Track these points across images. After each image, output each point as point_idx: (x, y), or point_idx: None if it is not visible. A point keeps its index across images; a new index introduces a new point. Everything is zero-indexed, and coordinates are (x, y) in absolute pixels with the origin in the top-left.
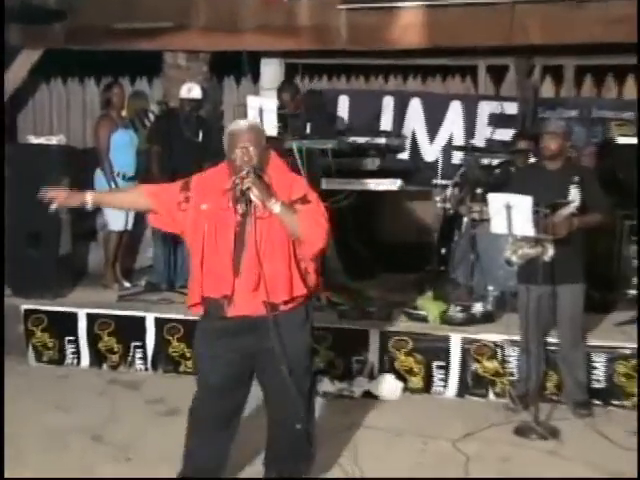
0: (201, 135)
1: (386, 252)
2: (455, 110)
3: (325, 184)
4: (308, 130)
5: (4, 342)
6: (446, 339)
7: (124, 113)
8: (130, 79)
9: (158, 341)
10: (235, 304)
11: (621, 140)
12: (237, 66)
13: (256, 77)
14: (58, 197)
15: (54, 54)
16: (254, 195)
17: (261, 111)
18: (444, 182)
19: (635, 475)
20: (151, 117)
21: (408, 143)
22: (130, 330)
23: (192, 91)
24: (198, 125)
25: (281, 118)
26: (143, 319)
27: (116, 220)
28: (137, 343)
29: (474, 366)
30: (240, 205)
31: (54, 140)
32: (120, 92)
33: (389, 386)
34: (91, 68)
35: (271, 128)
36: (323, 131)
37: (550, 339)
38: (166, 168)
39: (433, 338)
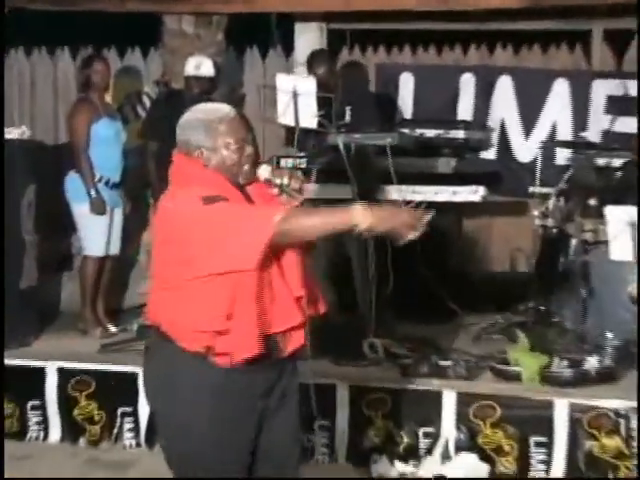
0: None
1: (465, 286)
2: (560, 92)
3: (381, 193)
4: (347, 118)
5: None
6: (548, 405)
7: (109, 97)
8: (118, 51)
9: None
10: (292, 337)
11: None
12: (263, 34)
13: (289, 49)
14: None
15: (15, 16)
16: (299, 193)
17: (295, 95)
18: (544, 190)
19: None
20: (146, 103)
21: (495, 137)
22: (117, 392)
23: (202, 67)
24: None
25: (322, 103)
26: (134, 377)
27: (94, 241)
28: (126, 409)
29: (588, 443)
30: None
31: (14, 133)
32: (104, 69)
33: (470, 470)
34: (65, 35)
35: (309, 117)
36: (368, 120)
37: None
38: (167, 172)
39: (530, 404)
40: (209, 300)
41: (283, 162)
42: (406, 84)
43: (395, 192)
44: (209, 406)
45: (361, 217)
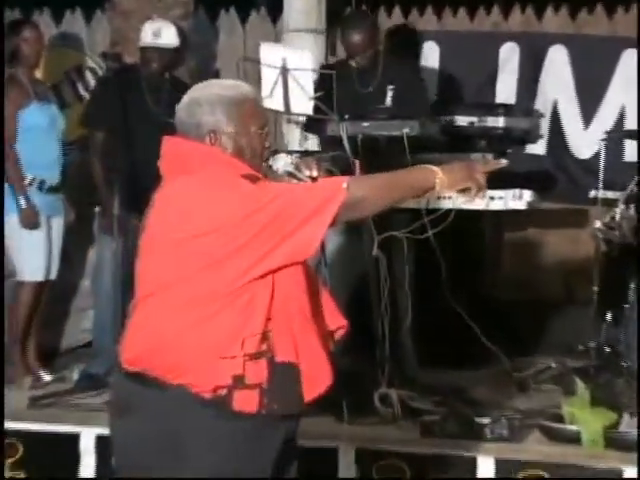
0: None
1: (506, 320)
2: (629, 67)
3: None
4: (388, 101)
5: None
6: (615, 475)
7: (40, 73)
8: (53, 14)
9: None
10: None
11: None
12: None
13: (276, 10)
14: None
15: None
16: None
17: (285, 71)
18: (610, 195)
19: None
20: (90, 81)
21: (545, 126)
22: (52, 458)
23: (162, 35)
24: (174, 94)
25: (322, 82)
26: (74, 440)
27: (28, 262)
28: None
29: None
30: None
31: None
32: (35, 37)
33: None
34: None
35: (303, 101)
36: (418, 104)
37: None
38: (117, 172)
39: (592, 473)
40: (244, 312)
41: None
42: (429, 56)
43: (414, 201)
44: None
45: (437, 176)
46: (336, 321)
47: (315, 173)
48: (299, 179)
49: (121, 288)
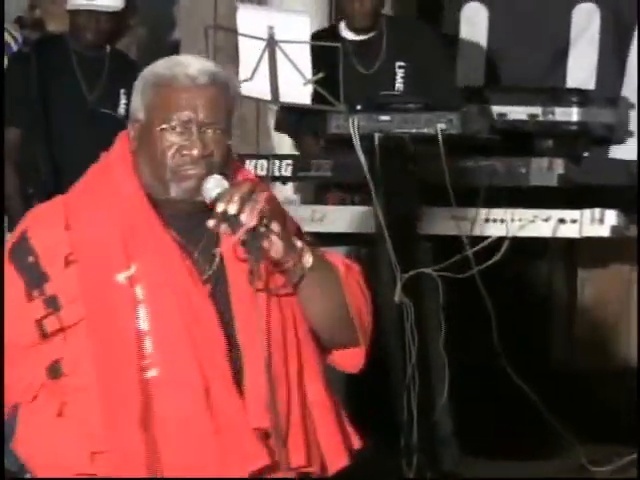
0: (125, 99)
1: (578, 392)
2: None
3: (432, 222)
4: (398, 85)
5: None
6: None
7: None
8: None
9: None
10: None
11: None
12: None
13: None
14: None
15: None
16: (275, 236)
17: (272, 43)
18: None
19: None
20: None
21: (635, 120)
22: None
23: None
24: (116, 74)
25: (323, 58)
26: None
27: None
28: None
29: None
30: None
31: None
32: None
33: None
34: None
35: (297, 88)
36: (440, 89)
37: None
38: (37, 183)
39: None
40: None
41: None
42: (473, 23)
43: (451, 221)
44: None
45: None
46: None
47: (232, 209)
48: (231, 225)
49: None
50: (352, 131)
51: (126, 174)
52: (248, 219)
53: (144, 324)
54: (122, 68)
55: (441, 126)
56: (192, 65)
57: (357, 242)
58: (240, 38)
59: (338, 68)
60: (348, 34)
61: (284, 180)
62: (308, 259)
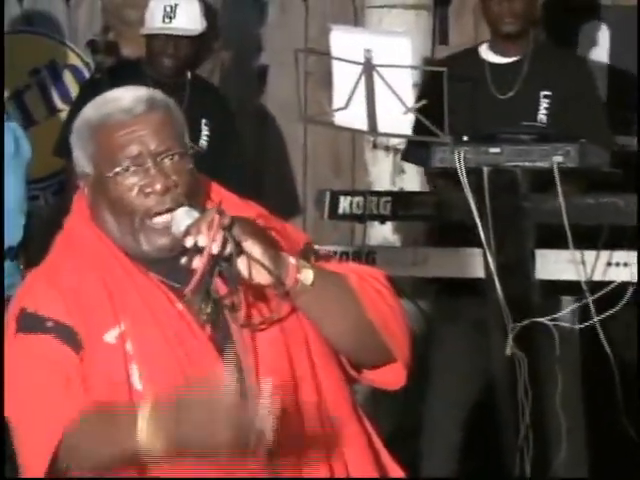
0: (207, 131)
1: None
2: None
3: (547, 266)
4: (542, 112)
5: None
6: None
7: None
8: None
9: None
10: None
11: None
12: None
13: None
14: None
15: None
16: (255, 260)
17: (369, 68)
18: None
19: None
20: (69, 85)
21: None
22: None
23: (179, 14)
24: (198, 103)
25: (429, 87)
26: None
27: None
28: None
29: None
30: (207, 302)
31: None
32: None
33: None
34: None
35: (397, 117)
36: (586, 122)
37: None
38: None
39: None
40: None
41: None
42: (594, 43)
43: (569, 265)
44: None
45: (149, 434)
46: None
47: (202, 241)
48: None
49: None
50: (458, 165)
51: (90, 233)
52: (212, 245)
53: (138, 383)
54: (204, 96)
55: (557, 159)
56: (123, 97)
57: (464, 288)
58: (334, 62)
59: (461, 92)
60: (489, 55)
61: (382, 219)
62: (307, 276)
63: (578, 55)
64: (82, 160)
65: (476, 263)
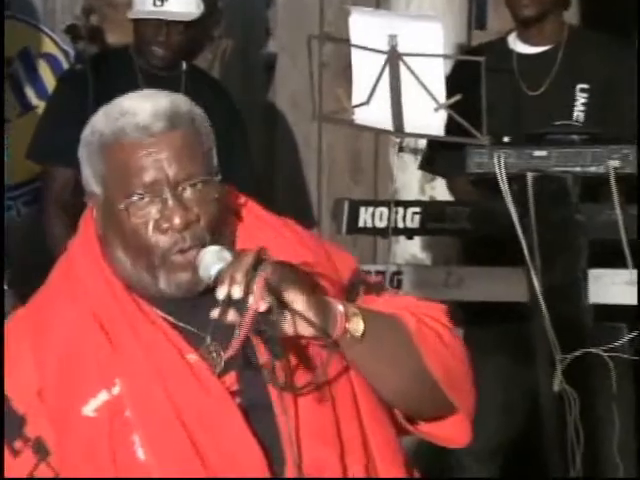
0: None
1: None
2: None
3: (601, 288)
4: (578, 109)
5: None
6: None
7: None
8: None
9: None
10: None
11: None
12: None
13: None
14: None
15: None
16: (298, 314)
17: (394, 57)
18: None
19: None
20: (46, 77)
21: None
22: None
23: None
24: (193, 99)
25: (462, 80)
26: None
27: None
28: None
29: None
30: (239, 362)
31: None
32: None
33: None
34: None
35: (426, 115)
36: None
37: None
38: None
39: None
40: None
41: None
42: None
43: (627, 287)
44: None
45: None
46: None
47: (237, 293)
48: (240, 311)
49: None
50: (497, 170)
51: (92, 268)
52: (255, 302)
53: (141, 453)
54: (202, 91)
55: (614, 163)
56: (140, 110)
57: (505, 314)
58: (353, 51)
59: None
60: (517, 45)
61: (410, 233)
62: (357, 326)
63: (619, 40)
64: (90, 179)
65: (519, 285)
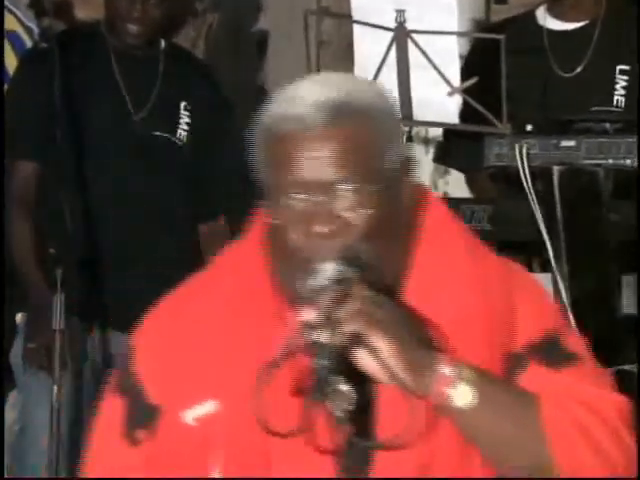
0: (187, 117)
1: None
2: None
3: (637, 297)
4: (619, 92)
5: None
6: None
7: None
8: None
9: None
10: None
11: None
12: None
13: None
14: None
15: None
16: (379, 359)
17: (402, 34)
18: None
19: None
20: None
21: None
22: None
23: None
24: (173, 82)
25: (479, 61)
26: None
27: None
28: None
29: None
30: (328, 398)
31: None
32: None
33: None
34: None
35: (439, 100)
36: None
37: None
38: (61, 240)
39: None
40: None
41: None
42: None
43: None
44: None
45: None
46: None
47: (309, 317)
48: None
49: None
50: (519, 163)
51: (252, 266)
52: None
53: (217, 474)
54: (183, 72)
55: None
56: (306, 97)
57: None
58: (355, 27)
59: (515, 69)
60: (548, 21)
61: None
62: (463, 396)
63: None
64: (258, 164)
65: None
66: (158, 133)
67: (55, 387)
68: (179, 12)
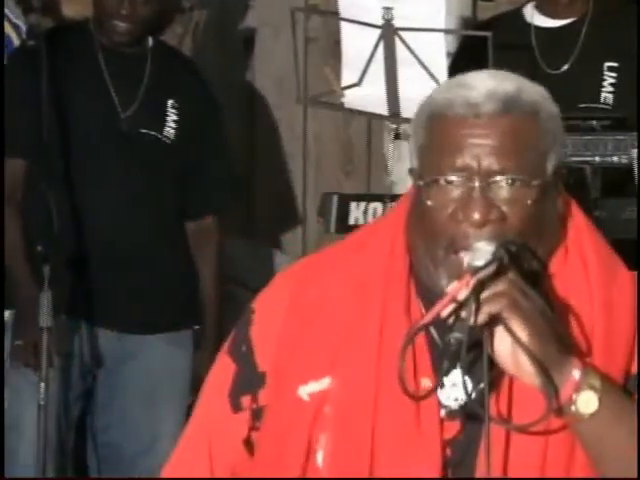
0: (175, 115)
1: None
2: None
3: None
4: (606, 90)
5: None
6: None
7: None
8: None
9: None
10: None
11: None
12: None
13: None
14: None
15: None
16: (517, 345)
17: (389, 31)
18: None
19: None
20: None
21: None
22: None
23: None
24: (161, 80)
25: (467, 58)
26: None
27: None
28: None
29: None
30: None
31: None
32: None
33: None
34: None
35: (426, 96)
36: None
37: None
38: (50, 237)
39: None
40: None
41: None
42: None
43: None
44: None
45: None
46: None
47: (461, 296)
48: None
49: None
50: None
51: (383, 241)
52: (459, 291)
53: (320, 459)
54: (171, 69)
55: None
56: (478, 85)
57: None
58: (343, 25)
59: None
60: (536, 18)
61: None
62: (587, 403)
63: None
64: (412, 146)
65: None
66: (145, 131)
67: (42, 385)
68: (166, 9)
